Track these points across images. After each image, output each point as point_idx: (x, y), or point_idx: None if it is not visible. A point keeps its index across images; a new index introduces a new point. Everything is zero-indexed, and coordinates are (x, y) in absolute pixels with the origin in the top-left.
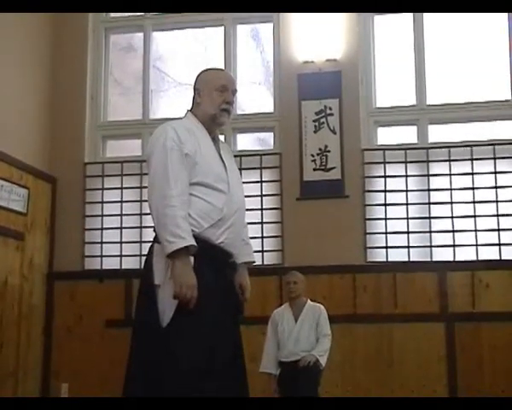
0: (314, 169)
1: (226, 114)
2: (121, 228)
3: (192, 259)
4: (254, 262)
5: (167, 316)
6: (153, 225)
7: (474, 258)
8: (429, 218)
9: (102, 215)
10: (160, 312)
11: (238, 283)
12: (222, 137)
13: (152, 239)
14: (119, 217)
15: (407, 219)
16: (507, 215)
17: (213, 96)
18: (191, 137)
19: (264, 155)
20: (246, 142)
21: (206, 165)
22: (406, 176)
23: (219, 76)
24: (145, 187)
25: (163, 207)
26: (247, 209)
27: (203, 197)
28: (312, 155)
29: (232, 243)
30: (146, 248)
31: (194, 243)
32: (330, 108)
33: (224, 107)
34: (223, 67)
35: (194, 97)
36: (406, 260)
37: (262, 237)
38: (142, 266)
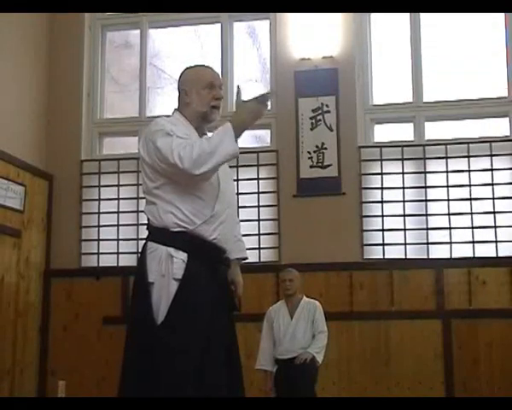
0: (311, 166)
1: (216, 111)
2: (118, 225)
3: (185, 255)
4: (247, 258)
5: (162, 313)
6: (147, 222)
7: (471, 255)
8: (426, 215)
9: (99, 213)
10: (154, 309)
11: (231, 279)
12: None
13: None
14: (115, 214)
15: (404, 216)
16: (503, 212)
17: (202, 95)
18: (184, 132)
19: (261, 152)
20: (242, 139)
21: None
22: (403, 173)
23: (205, 74)
24: (142, 184)
25: (190, 150)
26: (244, 206)
27: (194, 193)
28: (309, 153)
29: (225, 239)
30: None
31: (229, 124)
32: (327, 106)
33: (213, 104)
34: (217, 65)
35: (180, 97)
36: (403, 257)
37: (258, 235)
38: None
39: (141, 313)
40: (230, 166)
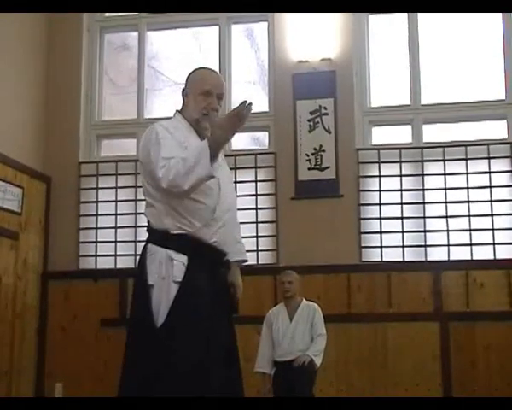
0: (309, 168)
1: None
2: (116, 227)
3: (186, 258)
4: (247, 261)
5: (162, 316)
6: (147, 224)
7: (469, 257)
8: (424, 217)
9: (97, 215)
10: (154, 312)
11: (230, 282)
12: None
13: (145, 239)
14: (113, 216)
15: (401, 218)
16: (501, 215)
17: (197, 101)
18: (180, 136)
19: (259, 154)
20: (240, 141)
21: None
22: (401, 175)
23: (205, 80)
24: (140, 186)
25: (170, 174)
26: (242, 209)
27: (194, 197)
28: (307, 155)
29: (225, 242)
30: (141, 247)
31: (206, 144)
32: (325, 108)
33: (205, 112)
34: (215, 67)
35: (183, 98)
36: (401, 259)
37: (257, 237)
38: (136, 266)
39: (141, 315)
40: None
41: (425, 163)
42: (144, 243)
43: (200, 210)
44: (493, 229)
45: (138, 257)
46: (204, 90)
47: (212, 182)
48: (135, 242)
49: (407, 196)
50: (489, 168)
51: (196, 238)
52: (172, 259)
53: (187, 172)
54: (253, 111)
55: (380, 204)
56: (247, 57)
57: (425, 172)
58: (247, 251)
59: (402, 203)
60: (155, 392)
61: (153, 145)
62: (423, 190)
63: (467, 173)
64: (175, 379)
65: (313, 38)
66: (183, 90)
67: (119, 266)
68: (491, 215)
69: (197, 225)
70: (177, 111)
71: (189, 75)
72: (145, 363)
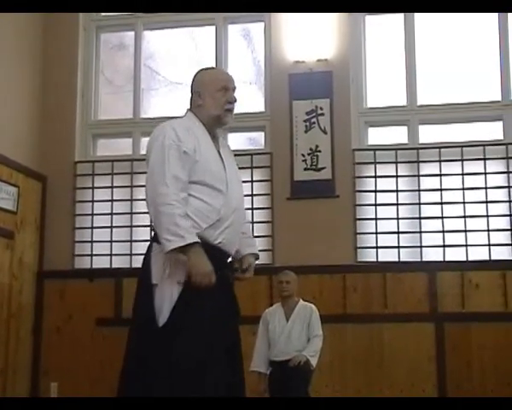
0: (305, 169)
1: (230, 114)
2: (111, 227)
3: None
4: (258, 257)
5: (164, 315)
6: (143, 224)
7: (464, 258)
8: (419, 218)
9: (93, 214)
10: (156, 311)
11: (247, 262)
12: None
13: (149, 238)
14: (109, 216)
15: (397, 219)
16: (496, 216)
17: (216, 98)
18: (190, 135)
19: (255, 154)
20: (237, 141)
21: (205, 164)
22: (397, 176)
23: (219, 77)
24: (136, 186)
25: (160, 206)
26: None
27: (201, 197)
28: (303, 155)
29: (230, 243)
30: (136, 247)
31: (195, 240)
32: (321, 108)
33: (227, 107)
34: (215, 66)
35: (192, 99)
36: (396, 260)
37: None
38: (140, 265)
39: (144, 314)
40: None
41: (421, 164)
42: (149, 243)
43: (206, 211)
44: (488, 230)
45: (134, 256)
46: (221, 86)
47: (220, 183)
48: (130, 241)
49: (403, 197)
50: (484, 169)
51: (201, 239)
52: (176, 259)
53: (166, 223)
54: (249, 111)
55: (375, 205)
56: (244, 57)
57: (421, 173)
58: None
59: (398, 204)
60: (156, 391)
61: (157, 152)
62: (419, 190)
63: (462, 174)
64: (175, 378)
65: (309, 38)
66: (195, 91)
67: (114, 265)
68: (487, 216)
69: (202, 225)
70: (188, 110)
71: (198, 76)
72: (147, 362)
